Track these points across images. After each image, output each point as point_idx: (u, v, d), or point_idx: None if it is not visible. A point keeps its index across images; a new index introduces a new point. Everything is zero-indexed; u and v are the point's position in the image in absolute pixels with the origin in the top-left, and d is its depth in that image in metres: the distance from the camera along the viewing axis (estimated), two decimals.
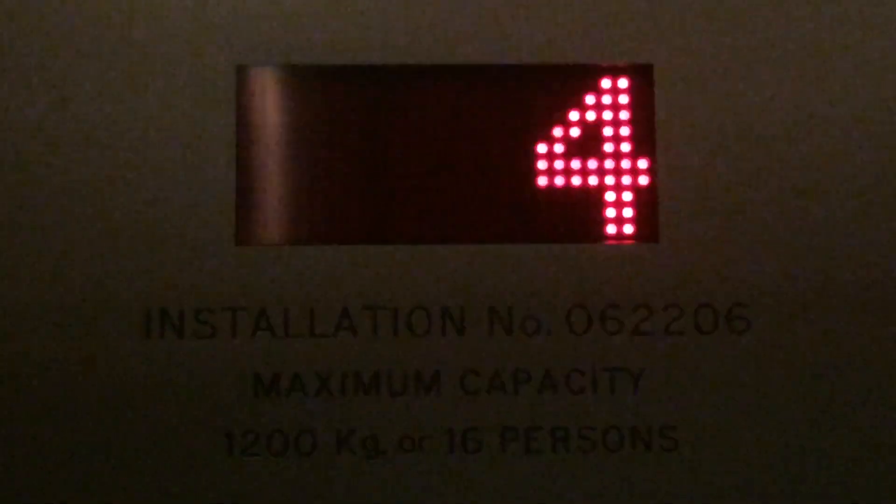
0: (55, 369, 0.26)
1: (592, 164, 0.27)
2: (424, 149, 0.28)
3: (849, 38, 0.28)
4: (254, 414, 0.26)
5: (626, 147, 0.27)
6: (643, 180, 0.27)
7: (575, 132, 0.28)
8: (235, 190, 0.27)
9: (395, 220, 0.28)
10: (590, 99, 0.27)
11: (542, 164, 0.27)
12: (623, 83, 0.28)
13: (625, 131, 0.27)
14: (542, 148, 0.27)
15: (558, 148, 0.27)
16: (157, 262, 0.26)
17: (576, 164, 0.27)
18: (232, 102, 0.27)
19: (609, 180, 0.27)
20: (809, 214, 0.27)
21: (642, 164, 0.27)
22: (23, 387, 0.26)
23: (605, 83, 0.28)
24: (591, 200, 0.28)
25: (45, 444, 0.26)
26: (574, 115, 0.28)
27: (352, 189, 0.28)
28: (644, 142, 0.27)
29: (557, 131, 0.27)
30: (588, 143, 0.28)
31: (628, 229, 0.28)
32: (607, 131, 0.28)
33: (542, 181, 0.27)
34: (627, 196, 0.27)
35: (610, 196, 0.28)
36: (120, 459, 0.26)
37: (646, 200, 0.27)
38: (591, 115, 0.28)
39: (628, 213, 0.27)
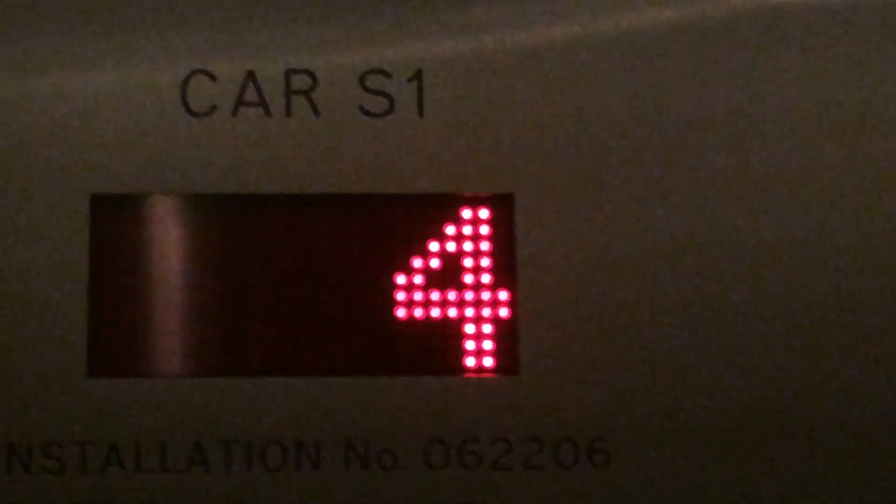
0: None
1: (452, 295, 0.27)
2: (282, 279, 0.27)
3: (714, 164, 0.28)
4: None
5: (486, 278, 0.27)
6: (503, 312, 0.27)
7: (435, 263, 0.27)
8: (87, 320, 0.26)
9: (251, 351, 0.27)
10: (450, 229, 0.27)
11: (400, 296, 0.27)
12: (484, 213, 0.27)
13: (485, 262, 0.27)
14: (401, 279, 0.27)
15: (417, 279, 0.27)
16: (4, 395, 0.26)
17: (435, 295, 0.27)
18: (85, 232, 0.27)
19: (469, 312, 0.27)
20: (673, 346, 0.27)
21: (503, 295, 0.27)
22: None
23: (466, 213, 0.27)
24: (450, 332, 0.27)
25: None
26: (434, 246, 0.27)
27: (206, 320, 0.27)
28: (505, 273, 0.27)
29: (417, 262, 0.27)
30: (448, 274, 0.27)
31: (488, 362, 0.27)
32: (467, 262, 0.27)
33: (400, 312, 0.27)
34: (487, 328, 0.27)
35: (469, 328, 0.27)
36: None
37: (506, 332, 0.27)
38: (451, 246, 0.27)
39: (488, 345, 0.27)
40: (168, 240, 0.27)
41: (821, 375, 0.27)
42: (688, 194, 0.28)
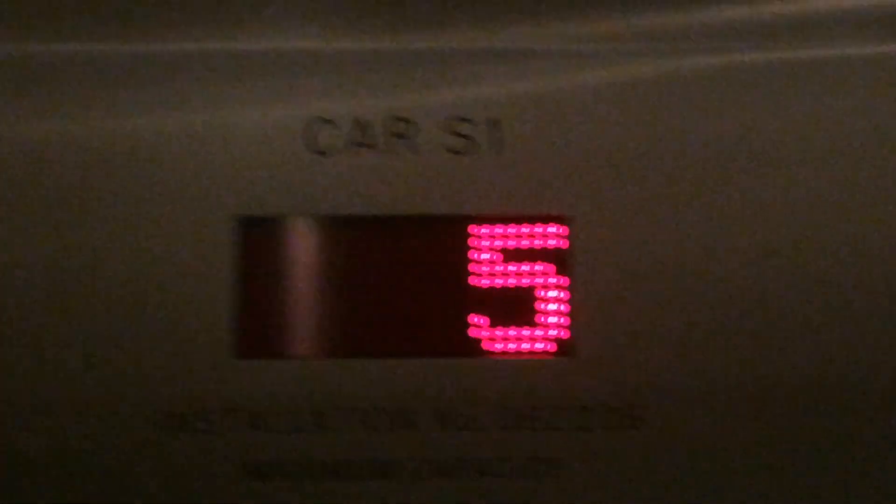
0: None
1: None
2: (389, 282, 0.35)
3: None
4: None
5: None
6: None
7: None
8: (237, 309, 0.34)
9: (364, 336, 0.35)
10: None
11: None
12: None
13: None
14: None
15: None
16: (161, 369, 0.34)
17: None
18: (232, 247, 0.34)
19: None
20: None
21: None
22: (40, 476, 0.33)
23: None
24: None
25: None
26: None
27: (332, 311, 0.35)
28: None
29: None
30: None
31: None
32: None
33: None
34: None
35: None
36: None
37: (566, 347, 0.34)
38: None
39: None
40: (300, 251, 0.35)
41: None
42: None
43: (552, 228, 0.34)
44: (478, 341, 0.34)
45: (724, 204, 0.35)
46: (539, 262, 0.34)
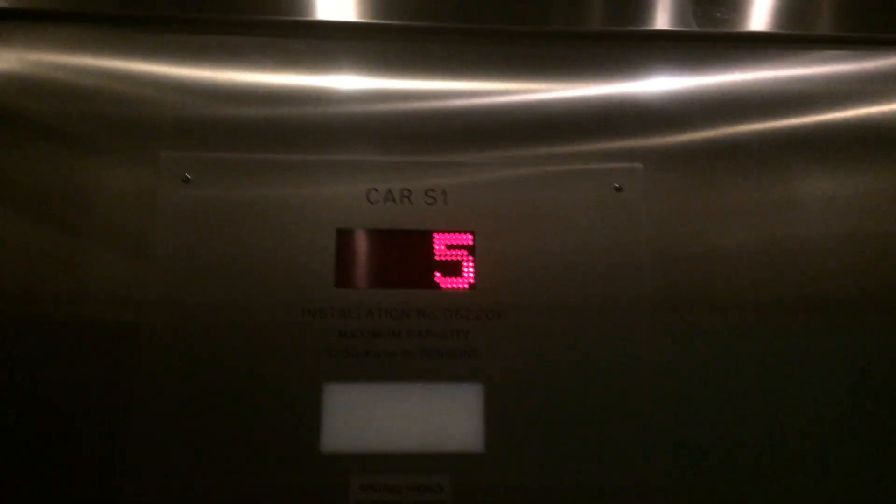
0: None
1: None
2: None
3: None
4: None
5: None
6: None
7: None
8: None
9: None
10: None
11: None
12: None
13: None
14: None
15: None
16: None
17: None
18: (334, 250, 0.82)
19: None
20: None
21: None
22: None
23: None
24: None
25: None
26: None
27: None
28: None
29: None
30: None
31: None
32: None
33: None
34: None
35: None
36: None
37: None
38: None
39: None
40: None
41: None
42: None
43: (467, 236, 0.82)
44: (437, 283, 0.81)
45: None
46: (462, 250, 0.82)
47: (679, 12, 0.91)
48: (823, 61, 0.90)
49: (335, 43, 0.88)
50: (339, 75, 0.86)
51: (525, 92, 0.87)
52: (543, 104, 0.86)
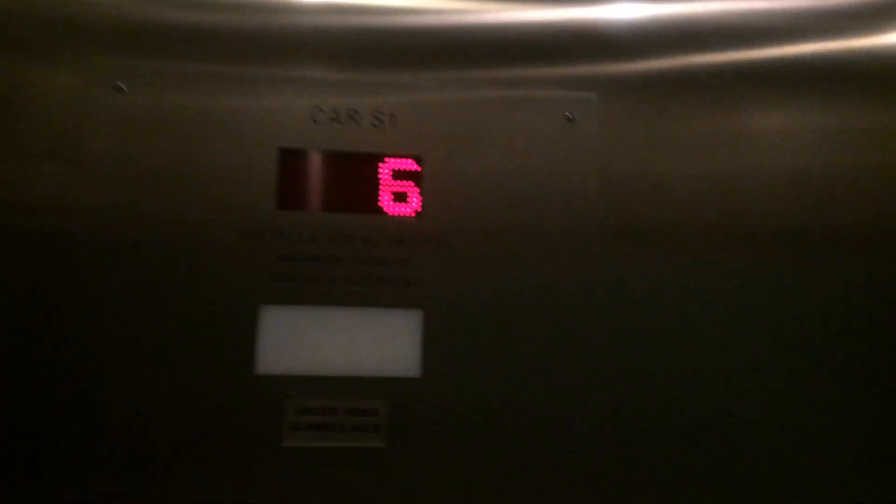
0: None
1: None
2: None
3: None
4: None
5: None
6: None
7: None
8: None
9: None
10: None
11: None
12: None
13: None
14: None
15: None
16: None
17: None
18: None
19: None
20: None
21: None
22: None
23: None
24: None
25: None
26: None
27: None
28: None
29: None
30: None
31: None
32: None
33: None
34: None
35: None
36: None
37: None
38: None
39: None
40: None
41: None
42: None
43: (414, 162, 0.80)
44: (381, 207, 0.79)
45: None
46: (409, 177, 0.80)
47: None
48: None
49: None
50: None
51: (482, 12, 0.83)
52: (499, 26, 0.83)
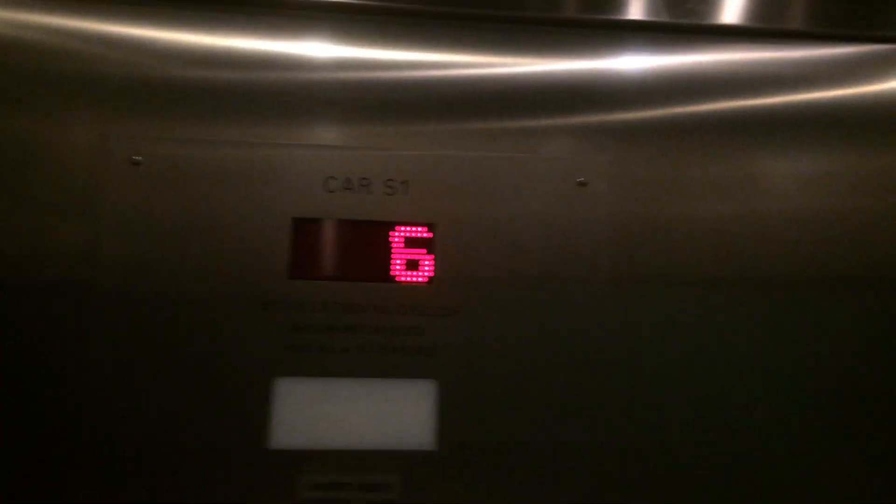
0: None
1: None
2: None
3: None
4: None
5: None
6: None
7: None
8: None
9: None
10: None
11: None
12: None
13: None
14: None
15: None
16: None
17: None
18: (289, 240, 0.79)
19: None
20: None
21: None
22: None
23: None
24: None
25: None
26: None
27: None
28: None
29: None
30: None
31: None
32: None
33: None
34: None
35: None
36: None
37: None
38: None
39: None
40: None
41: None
42: None
43: (426, 230, 0.80)
44: (393, 276, 0.79)
45: None
46: (422, 244, 0.80)
47: (650, 1, 0.88)
48: (786, 48, 0.89)
49: (300, 13, 0.84)
50: (304, 42, 0.83)
51: (492, 66, 0.84)
52: (510, 78, 0.84)
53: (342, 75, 0.83)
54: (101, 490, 0.70)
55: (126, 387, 0.72)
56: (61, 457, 0.70)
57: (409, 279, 0.78)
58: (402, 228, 0.79)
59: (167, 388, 0.72)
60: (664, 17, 0.87)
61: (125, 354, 0.73)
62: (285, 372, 0.74)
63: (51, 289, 0.73)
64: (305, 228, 0.78)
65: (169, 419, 0.72)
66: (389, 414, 0.75)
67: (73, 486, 0.70)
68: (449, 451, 0.74)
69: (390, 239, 0.79)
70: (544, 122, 0.83)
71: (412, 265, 0.78)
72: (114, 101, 0.79)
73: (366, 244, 0.78)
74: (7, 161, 0.76)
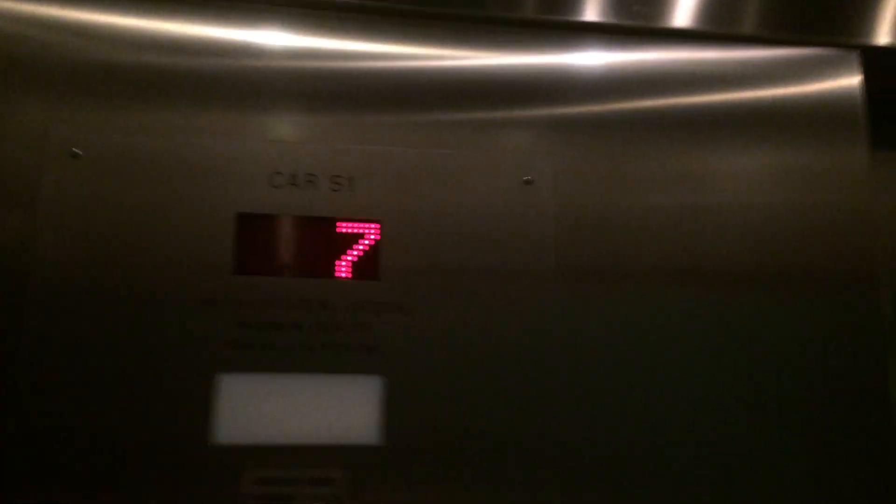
0: None
1: None
2: None
3: None
4: None
5: None
6: None
7: None
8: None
9: None
10: None
11: None
12: None
13: None
14: None
15: None
16: None
17: None
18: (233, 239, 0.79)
19: None
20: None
21: None
22: None
23: None
24: None
25: None
26: None
27: None
28: None
29: None
30: None
31: None
32: None
33: None
34: None
35: None
36: None
37: None
38: None
39: None
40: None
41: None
42: None
43: (373, 226, 0.80)
44: (339, 273, 0.79)
45: None
46: (366, 243, 0.80)
47: (605, 3, 0.90)
48: (733, 49, 0.91)
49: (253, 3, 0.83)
50: (256, 30, 0.82)
51: (440, 59, 0.84)
52: (456, 71, 0.84)
53: (293, 64, 0.82)
54: (36, 488, 0.69)
55: (65, 382, 0.71)
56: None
57: (355, 276, 0.78)
58: (348, 224, 0.79)
59: (108, 384, 0.72)
60: (616, 20, 0.88)
61: (64, 349, 0.72)
62: (229, 368, 0.74)
63: None
64: (250, 224, 0.77)
65: (110, 415, 0.71)
66: (335, 409, 0.75)
67: (3, 485, 0.69)
68: (394, 446, 0.75)
69: (336, 235, 0.79)
70: (493, 115, 0.84)
71: (358, 261, 0.79)
72: (58, 87, 0.77)
73: (312, 240, 0.78)
74: None
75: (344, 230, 0.79)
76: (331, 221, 0.79)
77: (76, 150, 0.76)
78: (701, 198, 0.86)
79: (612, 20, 0.89)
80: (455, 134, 0.83)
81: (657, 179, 0.86)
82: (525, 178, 0.83)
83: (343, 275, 0.78)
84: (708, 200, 0.86)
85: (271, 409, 0.74)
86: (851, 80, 0.92)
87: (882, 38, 0.93)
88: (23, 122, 0.76)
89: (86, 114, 0.77)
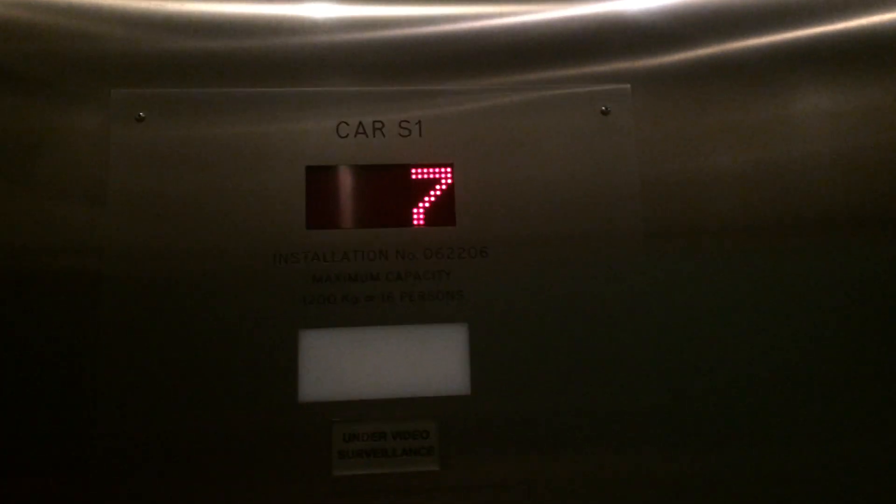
0: None
1: None
2: None
3: None
4: None
5: None
6: None
7: None
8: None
9: None
10: None
11: None
12: None
13: None
14: None
15: None
16: None
17: None
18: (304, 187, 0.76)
19: None
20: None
21: None
22: None
23: None
24: None
25: None
26: None
27: None
28: None
29: None
30: None
31: None
32: None
33: None
34: None
35: None
36: None
37: None
38: None
39: None
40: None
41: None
42: None
43: (446, 170, 0.77)
44: (414, 220, 0.76)
45: None
46: (441, 185, 0.77)
47: None
48: None
49: None
50: (306, 3, 0.79)
51: (503, 15, 0.80)
52: (523, 27, 0.80)
53: (346, 36, 0.79)
54: (132, 469, 0.68)
55: (152, 364, 0.70)
56: (93, 442, 0.69)
57: (431, 223, 0.75)
58: (420, 170, 0.76)
59: (194, 357, 0.70)
60: None
61: (145, 312, 0.71)
62: (309, 324, 0.72)
63: (63, 263, 0.70)
64: (319, 177, 0.75)
65: (199, 388, 0.70)
66: (421, 360, 0.73)
67: (109, 467, 0.68)
68: (483, 395, 0.72)
69: (408, 182, 0.76)
70: (562, 70, 0.80)
71: (432, 207, 0.75)
72: (116, 77, 0.76)
73: (383, 189, 0.75)
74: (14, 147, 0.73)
75: (416, 176, 0.76)
76: (404, 168, 0.76)
77: (141, 114, 0.75)
78: (793, 144, 0.79)
79: None
80: (524, 92, 0.78)
81: (742, 128, 0.79)
82: (601, 108, 0.78)
83: (417, 222, 0.75)
84: (801, 147, 0.79)
85: (357, 363, 0.72)
86: None
87: None
88: (89, 104, 0.75)
89: (150, 93, 0.76)
